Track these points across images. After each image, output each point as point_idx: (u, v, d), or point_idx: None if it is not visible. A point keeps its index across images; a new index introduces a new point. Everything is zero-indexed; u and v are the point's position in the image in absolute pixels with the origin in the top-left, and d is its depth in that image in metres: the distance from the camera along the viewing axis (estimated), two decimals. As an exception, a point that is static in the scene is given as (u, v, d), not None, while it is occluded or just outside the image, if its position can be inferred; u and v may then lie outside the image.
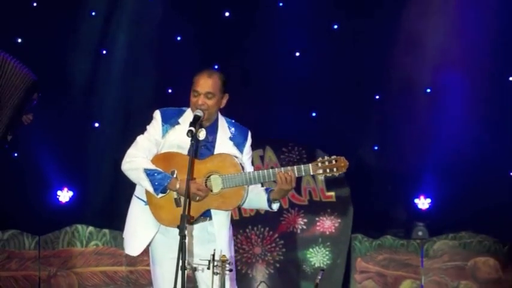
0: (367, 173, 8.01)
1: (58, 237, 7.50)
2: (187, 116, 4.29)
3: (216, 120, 4.36)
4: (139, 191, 4.33)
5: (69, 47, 7.97)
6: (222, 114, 4.43)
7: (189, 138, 4.10)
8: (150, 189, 4.17)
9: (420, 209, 8.11)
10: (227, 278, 4.10)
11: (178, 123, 4.30)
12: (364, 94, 8.19)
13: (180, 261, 3.81)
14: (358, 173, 7.35)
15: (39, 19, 7.89)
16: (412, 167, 7.98)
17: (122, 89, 8.09)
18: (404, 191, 8.12)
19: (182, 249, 3.81)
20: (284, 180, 4.15)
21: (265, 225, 7.67)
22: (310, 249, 7.66)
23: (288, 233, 7.69)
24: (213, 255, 4.01)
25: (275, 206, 4.32)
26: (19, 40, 8.01)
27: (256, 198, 4.30)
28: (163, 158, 4.25)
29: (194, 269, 4.11)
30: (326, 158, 4.21)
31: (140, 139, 4.31)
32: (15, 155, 7.94)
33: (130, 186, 4.40)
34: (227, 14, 8.35)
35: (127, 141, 4.41)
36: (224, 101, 4.35)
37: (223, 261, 4.02)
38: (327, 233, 7.70)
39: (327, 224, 7.71)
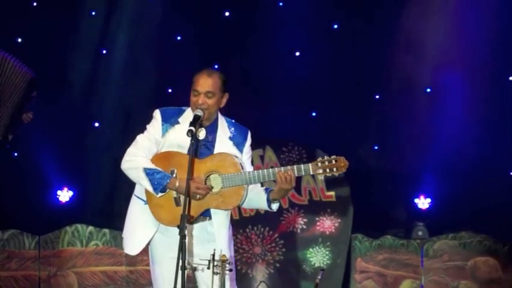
0: (367, 173, 8.01)
1: (58, 237, 7.50)
2: (187, 115, 4.29)
3: (216, 119, 4.36)
4: (138, 190, 4.33)
5: (69, 47, 7.97)
6: (222, 113, 4.43)
7: (189, 138, 4.10)
8: (150, 188, 4.17)
9: (420, 209, 8.11)
10: (227, 277, 4.10)
11: (178, 122, 4.30)
12: (364, 94, 8.19)
13: (180, 261, 3.81)
14: (358, 173, 7.35)
15: (39, 19, 7.90)
16: (412, 167, 7.98)
17: (122, 89, 8.09)
18: (404, 191, 8.12)
19: (182, 249, 3.81)
20: (284, 179, 4.16)
21: (265, 225, 7.67)
22: (310, 249, 7.66)
23: (288, 233, 7.69)
24: (213, 255, 4.01)
25: (275, 206, 4.32)
26: (19, 40, 8.01)
27: (256, 198, 4.31)
28: (163, 157, 4.25)
29: (194, 269, 4.11)
30: (326, 157, 4.21)
31: (140, 138, 4.31)
32: (15, 155, 7.94)
33: (130, 185, 4.41)
34: (227, 14, 8.35)
35: (127, 141, 4.41)
36: (224, 101, 4.35)
37: (223, 261, 4.02)
38: (327, 232, 7.70)
39: (327, 223, 7.71)
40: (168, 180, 4.16)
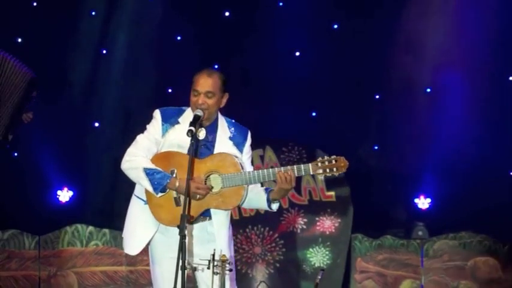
0: (367, 173, 8.01)
1: (58, 237, 7.50)
2: (187, 115, 4.29)
3: (216, 119, 4.36)
4: (138, 190, 4.33)
5: (69, 47, 7.97)
6: (222, 113, 4.43)
7: (189, 138, 4.10)
8: (150, 188, 4.17)
9: (420, 209, 8.11)
10: (227, 277, 4.10)
11: (178, 122, 4.30)
12: (364, 94, 8.19)
13: (180, 261, 3.81)
14: (358, 173, 7.35)
15: (39, 19, 7.90)
16: (412, 167, 7.98)
17: (122, 89, 8.09)
18: (404, 191, 8.12)
19: (182, 249, 3.81)
20: (284, 179, 4.16)
21: (265, 225, 7.67)
22: (310, 249, 7.66)
23: (288, 233, 7.69)
24: (213, 255, 4.01)
25: (274, 206, 4.32)
26: (19, 40, 8.01)
27: (256, 198, 4.31)
28: (163, 157, 4.25)
29: (194, 269, 4.11)
30: (326, 157, 4.21)
31: (140, 138, 4.32)
32: (15, 155, 7.94)
33: (131, 185, 4.41)
34: (227, 14, 8.35)
35: (127, 141, 4.41)
36: (224, 101, 4.35)
37: (223, 261, 4.02)
38: (327, 232, 7.70)
39: (327, 223, 7.71)
40: (168, 180, 4.16)
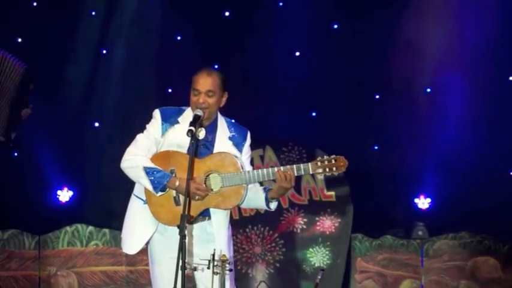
0: (367, 173, 8.01)
1: (58, 237, 7.50)
2: (187, 115, 4.29)
3: (216, 119, 4.36)
4: (138, 190, 4.33)
5: (69, 47, 7.97)
6: (221, 113, 4.43)
7: (189, 138, 4.10)
8: (150, 187, 4.17)
9: (420, 209, 8.12)
10: (226, 277, 4.10)
11: (177, 122, 4.30)
12: (364, 94, 8.20)
13: (180, 261, 3.81)
14: (358, 173, 7.35)
15: (39, 19, 7.90)
16: (412, 166, 7.98)
17: (121, 89, 8.09)
18: (405, 191, 8.13)
19: (182, 249, 3.81)
20: (284, 178, 4.16)
21: (265, 225, 7.67)
22: (310, 249, 7.66)
23: (288, 233, 7.69)
24: (213, 255, 4.01)
25: (273, 205, 4.32)
26: (19, 40, 8.01)
27: (254, 197, 4.30)
28: (163, 157, 4.26)
29: (194, 269, 4.11)
30: (326, 157, 4.21)
31: (140, 137, 4.32)
32: (15, 154, 7.95)
33: (131, 185, 4.40)
34: (227, 14, 8.35)
35: (127, 141, 4.41)
36: (224, 100, 4.35)
37: (223, 261, 4.02)
38: (327, 232, 7.70)
39: (327, 223, 7.71)
40: (168, 179, 4.16)
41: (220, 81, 4.30)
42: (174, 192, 4.20)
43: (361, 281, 7.68)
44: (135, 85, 8.05)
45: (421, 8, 7.89)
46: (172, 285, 3.80)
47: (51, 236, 7.51)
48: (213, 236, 4.27)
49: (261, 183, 4.33)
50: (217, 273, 3.99)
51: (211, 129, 4.33)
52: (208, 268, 4.00)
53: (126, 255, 6.59)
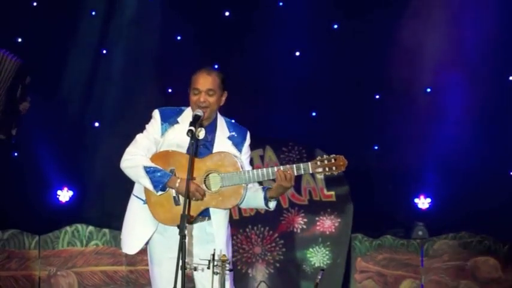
0: (367, 173, 8.01)
1: (58, 237, 7.50)
2: (187, 115, 4.30)
3: (215, 119, 4.37)
4: (137, 190, 4.34)
5: (69, 47, 7.97)
6: (221, 113, 4.44)
7: (188, 137, 4.10)
8: (150, 186, 4.17)
9: (420, 209, 8.12)
10: (226, 277, 4.10)
11: (177, 122, 4.30)
12: (364, 94, 8.19)
13: (180, 260, 3.80)
14: (358, 173, 7.36)
15: (39, 19, 7.90)
16: (412, 166, 7.99)
17: (122, 89, 8.09)
18: (405, 191, 8.13)
19: (182, 248, 3.81)
20: (283, 177, 4.16)
21: (265, 225, 7.67)
22: (310, 249, 7.66)
23: (288, 233, 7.69)
24: (213, 255, 4.01)
25: (272, 205, 4.31)
26: (19, 40, 8.01)
27: (253, 197, 4.31)
28: (162, 156, 4.26)
29: (194, 269, 4.11)
30: (325, 156, 4.22)
31: (139, 137, 4.32)
32: (15, 154, 7.95)
33: (130, 185, 4.41)
34: (227, 14, 8.36)
35: (127, 141, 4.41)
36: (223, 99, 4.36)
37: (223, 261, 4.02)
38: (327, 232, 7.70)
39: (327, 223, 7.71)
40: (169, 179, 4.16)
41: (220, 80, 4.31)
42: (173, 192, 4.21)
43: (361, 281, 7.68)
44: (135, 85, 8.05)
45: (421, 8, 7.89)
46: (172, 286, 3.79)
47: (51, 236, 7.51)
48: (213, 236, 4.28)
49: (261, 183, 4.33)
50: (217, 273, 3.99)
51: (211, 129, 4.34)
52: (208, 268, 4.00)
53: (126, 255, 6.58)
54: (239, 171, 4.19)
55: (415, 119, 8.02)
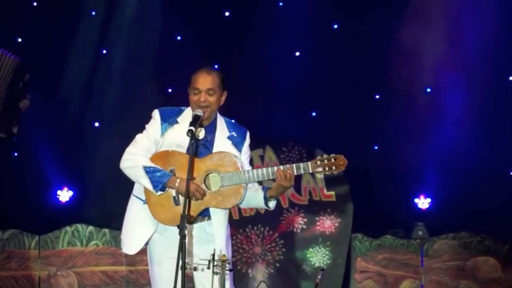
0: (367, 173, 8.01)
1: (58, 237, 7.50)
2: (186, 115, 4.30)
3: (215, 119, 4.37)
4: (137, 190, 4.34)
5: (69, 47, 7.97)
6: (221, 113, 4.44)
7: (188, 137, 4.10)
8: (149, 186, 4.17)
9: (420, 209, 8.12)
10: (226, 277, 4.10)
11: (177, 122, 4.31)
12: (364, 94, 8.19)
13: (180, 260, 3.80)
14: (358, 173, 7.36)
15: (39, 19, 7.91)
16: (412, 166, 7.99)
17: (122, 89, 8.09)
18: (405, 191, 8.13)
19: (182, 248, 3.81)
20: (283, 177, 4.16)
21: (265, 225, 7.66)
22: (310, 249, 7.66)
23: (288, 233, 7.68)
24: (213, 255, 4.01)
25: (272, 204, 4.31)
26: (19, 40, 8.01)
27: (253, 197, 4.31)
28: (162, 156, 4.26)
29: (194, 269, 4.11)
30: (325, 156, 4.22)
31: (139, 137, 4.32)
32: (15, 154, 7.95)
33: (130, 185, 4.41)
34: (227, 14, 8.36)
35: (127, 141, 4.41)
36: (223, 99, 4.36)
37: (223, 261, 4.02)
38: (327, 232, 7.70)
39: (327, 223, 7.71)
40: (168, 178, 4.16)
41: (220, 80, 4.31)
42: (173, 192, 4.21)
43: (361, 281, 7.68)
44: (135, 85, 8.05)
45: (421, 8, 7.89)
46: (172, 286, 3.79)
47: (51, 236, 7.51)
48: (213, 236, 4.28)
49: (260, 183, 4.33)
50: (217, 273, 3.99)
51: (211, 129, 4.34)
52: (208, 268, 4.00)
53: (126, 255, 6.58)
54: (239, 171, 4.19)
55: (415, 119, 8.02)
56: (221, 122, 4.39)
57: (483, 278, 7.65)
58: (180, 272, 3.80)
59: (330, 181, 7.69)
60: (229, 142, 4.35)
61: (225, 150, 4.28)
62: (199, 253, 4.22)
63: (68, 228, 7.54)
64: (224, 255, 4.07)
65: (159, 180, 4.15)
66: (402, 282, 7.67)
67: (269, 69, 7.99)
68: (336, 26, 8.31)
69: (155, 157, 4.26)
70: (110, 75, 8.11)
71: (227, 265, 4.02)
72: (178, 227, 3.84)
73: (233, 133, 4.38)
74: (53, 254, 7.47)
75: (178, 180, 4.15)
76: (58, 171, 7.92)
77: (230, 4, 8.32)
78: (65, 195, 8.05)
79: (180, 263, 3.80)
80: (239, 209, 7.49)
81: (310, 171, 4.21)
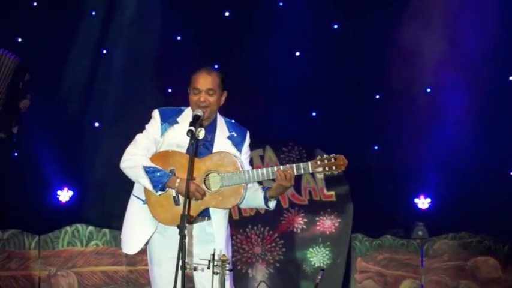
0: (367, 173, 8.01)
1: (58, 237, 7.50)
2: (186, 115, 4.30)
3: (215, 119, 4.37)
4: (137, 190, 4.33)
5: (69, 47, 7.97)
6: (221, 113, 4.44)
7: (188, 137, 4.10)
8: (149, 186, 4.17)
9: (420, 209, 8.12)
10: (226, 277, 4.10)
11: (177, 122, 4.31)
12: (364, 94, 8.19)
13: (180, 260, 3.80)
14: (358, 173, 7.36)
15: (39, 19, 7.91)
16: (412, 166, 7.99)
17: (122, 89, 8.09)
18: (405, 191, 8.13)
19: (182, 248, 3.81)
20: (283, 177, 4.16)
21: (265, 225, 7.66)
22: (310, 249, 7.66)
23: (288, 233, 7.69)
24: (213, 255, 4.01)
25: (271, 204, 4.31)
26: (19, 40, 8.01)
27: (253, 197, 4.31)
28: (162, 156, 4.26)
29: (194, 269, 4.11)
30: (325, 156, 4.22)
31: (139, 138, 4.32)
32: (15, 154, 7.95)
33: (130, 185, 4.41)
34: (227, 14, 8.36)
35: (127, 141, 4.41)
36: (223, 99, 4.36)
37: (223, 261, 4.01)
38: (327, 232, 7.70)
39: (327, 223, 7.71)
40: (168, 178, 4.16)
41: (220, 79, 4.32)
42: (173, 192, 4.21)
43: (361, 281, 7.68)
44: (135, 85, 8.05)
45: (421, 8, 7.89)
46: (172, 286, 3.79)
47: (51, 236, 7.51)
48: (213, 236, 4.28)
49: (260, 183, 4.33)
50: (217, 273, 3.99)
51: (211, 129, 4.34)
52: (208, 268, 4.00)
53: (126, 255, 6.58)
54: (239, 171, 4.19)
55: (415, 119, 8.02)
56: (221, 122, 4.39)
57: (483, 278, 7.65)
58: (180, 272, 3.80)
59: (330, 181, 7.69)
60: (229, 142, 4.35)
61: (225, 150, 4.28)
62: (199, 253, 4.22)
63: (68, 228, 7.54)
64: (224, 255, 4.07)
65: (159, 180, 4.15)
66: (402, 282, 7.67)
67: (269, 69, 7.99)
68: (336, 26, 8.31)
69: (155, 157, 4.26)
70: (110, 75, 8.11)
71: (227, 265, 4.02)
72: (178, 227, 3.84)
73: (233, 133, 4.38)
74: (53, 254, 7.47)
75: (178, 180, 4.15)
76: (58, 171, 7.92)
77: (230, 4, 8.32)
78: (65, 195, 8.05)
79: (180, 263, 3.80)
80: (239, 209, 7.49)
81: (310, 171, 4.21)
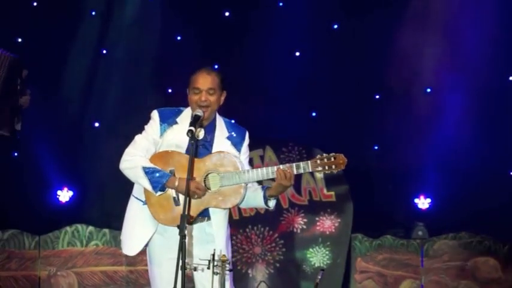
0: (367, 173, 8.01)
1: (58, 237, 7.49)
2: (185, 115, 4.30)
3: (214, 119, 4.37)
4: (137, 191, 4.33)
5: (69, 47, 7.97)
6: (221, 113, 4.44)
7: (187, 138, 4.10)
8: (149, 187, 4.17)
9: (420, 209, 8.12)
10: (226, 278, 4.10)
11: (176, 122, 4.30)
12: (364, 94, 8.19)
13: (180, 261, 3.80)
14: (358, 173, 7.36)
15: (39, 19, 7.90)
16: (412, 166, 7.99)
17: (122, 89, 8.09)
18: (405, 191, 8.13)
19: (182, 249, 3.81)
20: (283, 176, 4.16)
21: (265, 225, 7.66)
22: (310, 249, 7.66)
23: (288, 233, 7.68)
24: (213, 255, 4.01)
25: (271, 204, 4.30)
26: (19, 40, 8.01)
27: (253, 196, 4.30)
28: (162, 157, 4.26)
29: (194, 269, 4.10)
30: (325, 155, 4.21)
31: (138, 138, 4.32)
32: (15, 154, 7.95)
33: (130, 185, 4.40)
34: (227, 14, 8.36)
35: (127, 141, 4.41)
36: (222, 99, 4.37)
37: (223, 261, 4.01)
38: (327, 232, 7.70)
39: (327, 223, 7.71)
40: (168, 179, 4.16)
41: (219, 79, 4.32)
42: (173, 193, 4.20)
43: (361, 281, 7.68)
44: (135, 85, 8.05)
45: (421, 8, 7.89)
46: (172, 286, 3.79)
47: (51, 236, 7.51)
48: (213, 237, 4.28)
49: (260, 182, 4.33)
50: (217, 274, 3.99)
51: (210, 129, 4.34)
52: (208, 268, 4.00)
53: (126, 255, 6.58)
54: (239, 170, 4.19)
55: (415, 119, 8.02)
56: (220, 122, 4.39)
57: (483, 278, 7.65)
58: (180, 272, 3.79)
59: (330, 181, 7.69)
60: (229, 142, 4.35)
61: (225, 150, 4.28)
62: (199, 253, 4.22)
63: (68, 228, 7.54)
64: (224, 255, 4.06)
65: (158, 180, 4.15)
66: (402, 283, 7.67)
67: (269, 69, 7.99)
68: (336, 26, 8.31)
69: (155, 158, 4.26)
70: (110, 75, 8.11)
71: (227, 265, 4.02)
72: (178, 227, 3.84)
73: (232, 133, 4.38)
74: (53, 254, 7.47)
75: (177, 180, 4.15)
76: (58, 171, 7.92)
77: (230, 4, 8.32)
78: (65, 195, 8.05)
79: (180, 263, 3.80)
80: (239, 209, 7.49)
81: (310, 171, 4.21)
